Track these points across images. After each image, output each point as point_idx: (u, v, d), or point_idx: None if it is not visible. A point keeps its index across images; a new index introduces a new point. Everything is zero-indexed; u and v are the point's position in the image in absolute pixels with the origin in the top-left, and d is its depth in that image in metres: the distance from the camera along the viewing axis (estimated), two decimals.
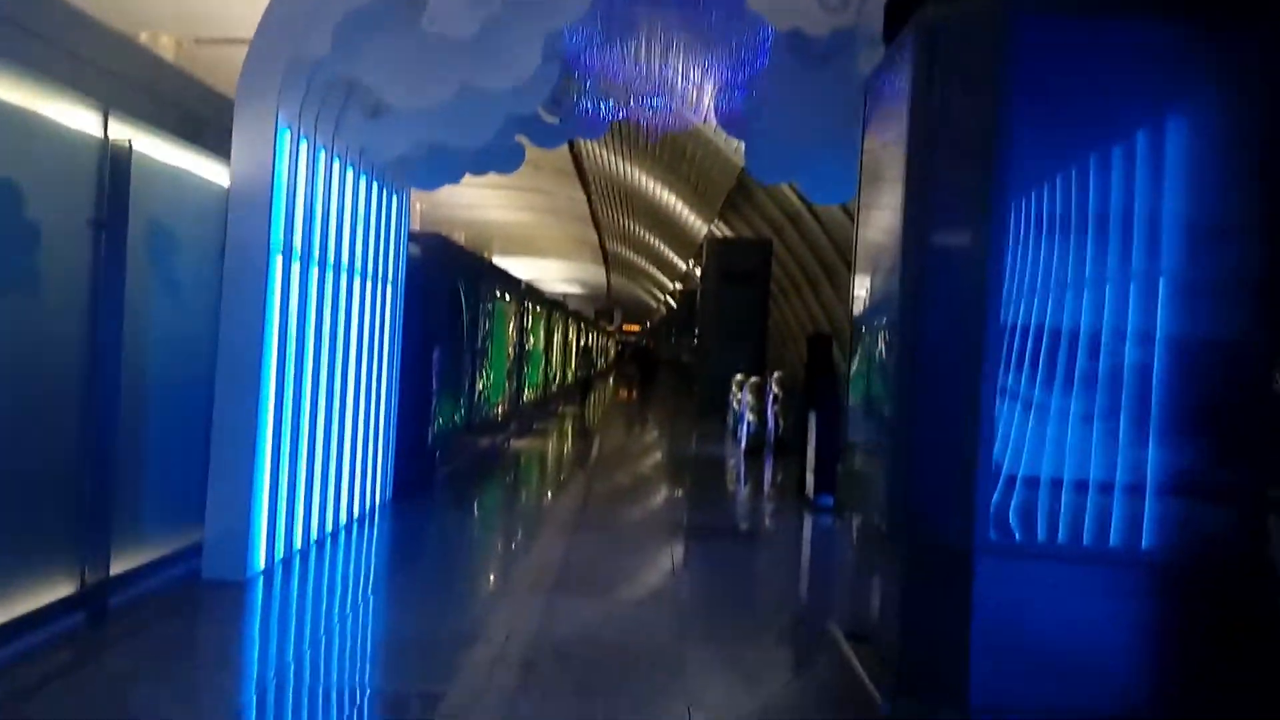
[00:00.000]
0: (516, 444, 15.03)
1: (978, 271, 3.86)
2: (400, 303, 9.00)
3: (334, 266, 7.18)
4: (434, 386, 10.30)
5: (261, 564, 6.02)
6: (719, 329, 21.04)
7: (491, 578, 7.00)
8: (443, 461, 10.78)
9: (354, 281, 7.64)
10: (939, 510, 3.83)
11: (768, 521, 9.80)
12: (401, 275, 9.00)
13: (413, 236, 9.79)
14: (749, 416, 14.75)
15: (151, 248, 5.70)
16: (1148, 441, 3.73)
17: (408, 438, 9.65)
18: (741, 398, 15.90)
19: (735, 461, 14.39)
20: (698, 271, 37.39)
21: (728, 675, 4.70)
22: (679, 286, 45.92)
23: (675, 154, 23.16)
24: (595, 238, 40.72)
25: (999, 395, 3.74)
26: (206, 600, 5.46)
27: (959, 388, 3.82)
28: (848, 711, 4.13)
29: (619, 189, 30.96)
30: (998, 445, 3.74)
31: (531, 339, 19.23)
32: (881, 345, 4.42)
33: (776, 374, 16.21)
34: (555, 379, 23.70)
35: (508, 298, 15.32)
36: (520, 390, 17.04)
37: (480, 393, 13.10)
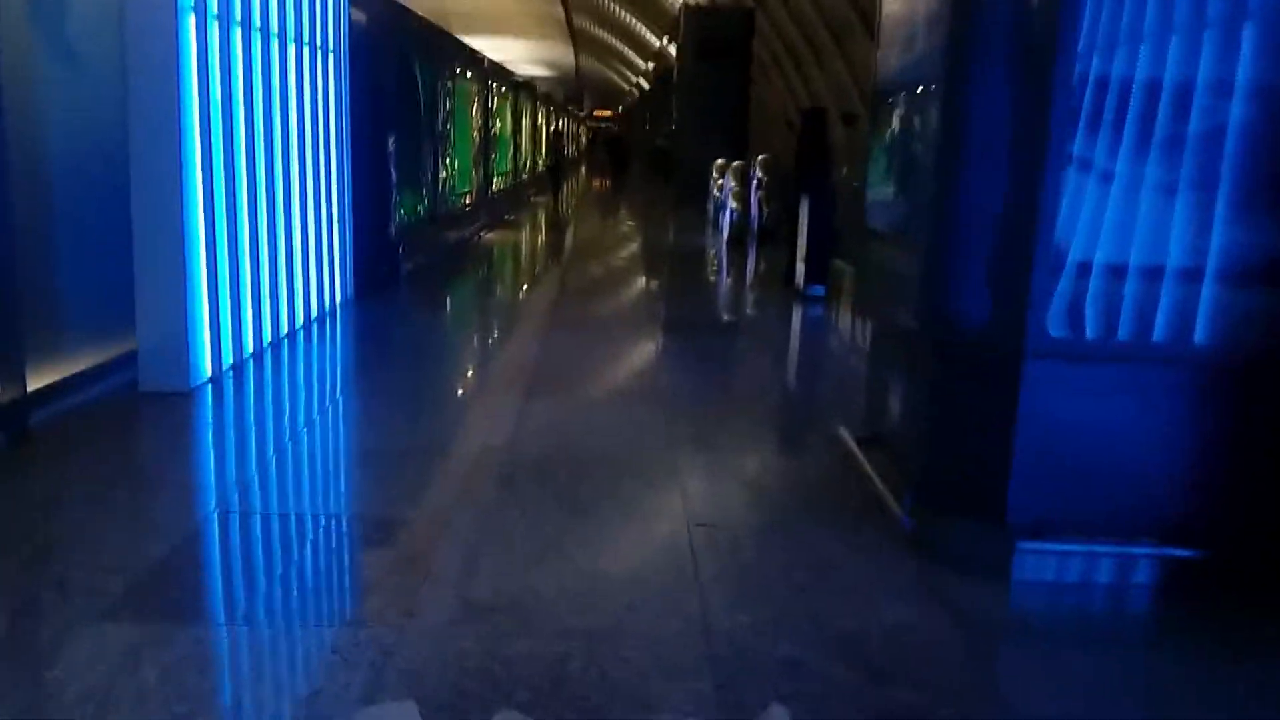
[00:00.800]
0: (487, 236, 14.30)
1: (1047, 13, 3.10)
2: (345, 78, 7.99)
3: (261, 31, 6.18)
4: (392, 175, 9.43)
5: (208, 371, 5.47)
6: (697, 110, 19.80)
7: (463, 382, 6.51)
8: (407, 256, 10.08)
9: (288, 50, 6.64)
10: (984, 305, 3.27)
11: (755, 313, 9.33)
12: (344, 46, 7.94)
13: (356, 2, 8.61)
14: (731, 204, 14.00)
15: (31, 8, 4.74)
16: (1237, 219, 3.13)
17: (367, 231, 8.91)
18: (724, 184, 15.07)
19: (717, 252, 13.78)
20: (673, 50, 35.18)
21: (727, 485, 4.29)
22: (652, 67, 43.59)
23: None
24: (561, 13, 37.96)
25: (1066, 166, 3.09)
26: (145, 414, 4.93)
27: (1017, 159, 3.15)
28: (862, 522, 3.74)
29: None
30: (1059, 227, 3.12)
31: (498, 123, 17.99)
32: (916, 113, 3.71)
33: (761, 157, 15.34)
34: (525, 166, 22.54)
35: (470, 76, 14.05)
36: (489, 179, 16.05)
37: (445, 182, 12.19)
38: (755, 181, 14.63)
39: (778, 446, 5.09)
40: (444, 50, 11.97)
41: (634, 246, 15.11)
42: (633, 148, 41.74)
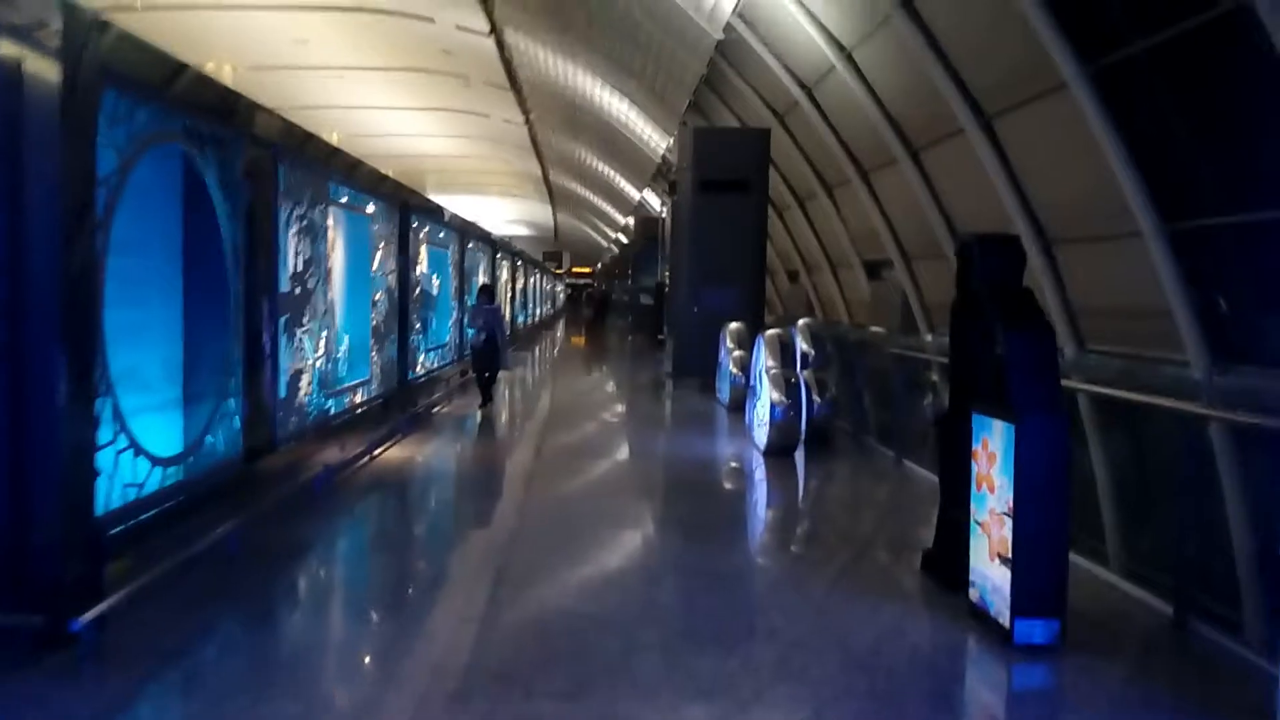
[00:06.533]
0: (388, 454, 9.04)
1: None
2: None
3: None
4: (107, 379, 4.35)
5: None
6: (698, 256, 15.06)
7: None
8: (183, 540, 4.88)
9: None
10: None
11: None
12: None
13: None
14: (772, 395, 8.91)
15: None
16: None
17: (21, 515, 3.78)
18: (752, 361, 10.09)
19: (749, 473, 8.65)
20: (655, 202, 31.40)
21: None
22: (631, 221, 40.35)
23: (628, 40, 17.01)
24: (539, 170, 34.64)
25: None
26: None
27: None
28: None
29: (561, 102, 24.74)
30: None
31: (435, 280, 13.20)
32: None
33: (802, 322, 10.55)
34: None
35: (369, 208, 9.25)
36: (408, 360, 10.97)
37: (301, 374, 7.16)
38: (800, 356, 9.75)
39: None
40: (292, 151, 7.12)
41: (621, 462, 9.92)
42: (610, 304, 38.91)
